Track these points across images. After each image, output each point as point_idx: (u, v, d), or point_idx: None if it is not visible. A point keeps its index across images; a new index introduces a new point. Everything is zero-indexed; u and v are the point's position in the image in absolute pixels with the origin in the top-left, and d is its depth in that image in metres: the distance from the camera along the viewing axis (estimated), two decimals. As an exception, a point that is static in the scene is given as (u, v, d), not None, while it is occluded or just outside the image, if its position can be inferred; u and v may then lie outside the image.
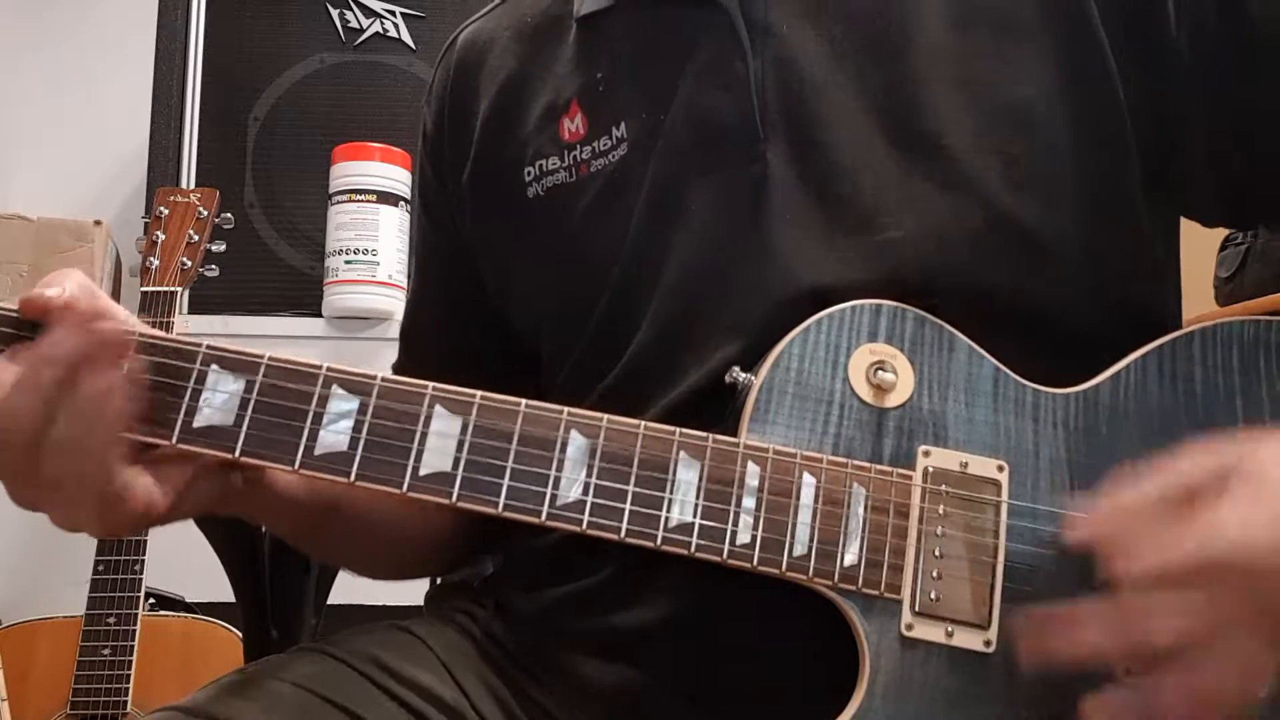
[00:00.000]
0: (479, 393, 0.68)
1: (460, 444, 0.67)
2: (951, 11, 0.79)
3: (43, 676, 1.69)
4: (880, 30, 0.79)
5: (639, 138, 0.83)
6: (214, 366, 0.67)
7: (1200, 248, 0.88)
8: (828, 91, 0.79)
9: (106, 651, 1.65)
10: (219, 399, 0.66)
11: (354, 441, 0.66)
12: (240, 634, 1.31)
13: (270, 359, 0.67)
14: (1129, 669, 0.62)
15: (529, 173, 0.87)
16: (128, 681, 1.64)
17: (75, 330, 0.65)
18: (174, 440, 0.66)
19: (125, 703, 1.63)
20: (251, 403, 0.66)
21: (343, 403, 0.67)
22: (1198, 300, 0.91)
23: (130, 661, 1.65)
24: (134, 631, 1.66)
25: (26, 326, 0.66)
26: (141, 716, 0.77)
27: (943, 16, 0.79)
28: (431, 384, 0.68)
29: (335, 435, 0.66)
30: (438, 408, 0.67)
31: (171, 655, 1.71)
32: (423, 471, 0.66)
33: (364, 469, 0.66)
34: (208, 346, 0.67)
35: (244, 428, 0.66)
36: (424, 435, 0.67)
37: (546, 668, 0.82)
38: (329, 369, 0.67)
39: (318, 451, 0.66)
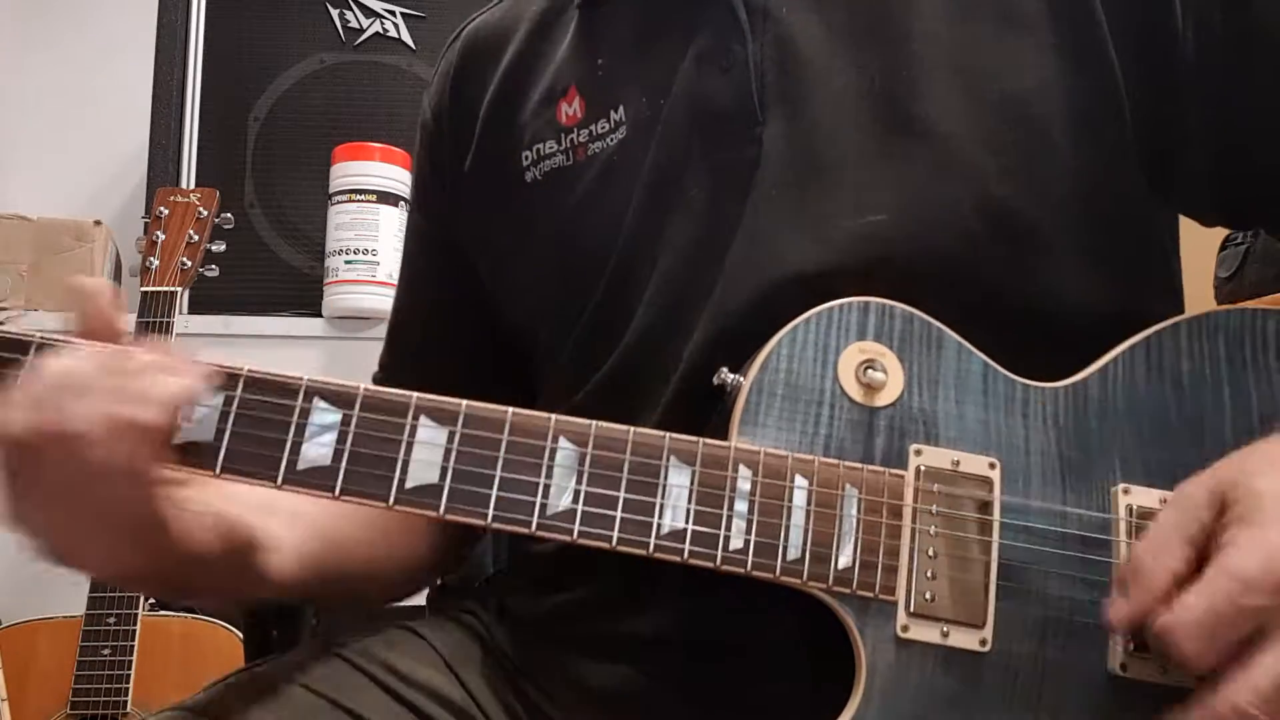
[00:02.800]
0: (465, 402, 0.66)
1: (447, 454, 0.65)
2: (953, 0, 0.79)
3: (43, 676, 1.69)
4: (880, 15, 0.79)
5: (638, 121, 0.82)
6: None
7: (1200, 248, 0.88)
8: (825, 75, 0.78)
9: (106, 651, 1.65)
10: (199, 413, 0.64)
11: (338, 454, 0.65)
12: (240, 634, 1.31)
13: (250, 371, 0.65)
14: None
15: (526, 157, 0.87)
16: (128, 681, 1.64)
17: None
18: None
19: (125, 703, 1.63)
20: (231, 416, 0.65)
21: (325, 415, 0.65)
22: (1198, 300, 0.91)
23: (130, 661, 1.64)
24: (134, 631, 1.66)
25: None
26: (146, 716, 0.77)
27: (944, 5, 0.79)
28: (416, 394, 0.66)
29: (318, 449, 0.65)
30: (423, 418, 0.66)
31: (171, 655, 1.70)
32: (409, 484, 0.65)
33: (348, 483, 0.64)
34: None
35: (224, 443, 0.64)
36: (409, 446, 0.65)
37: (548, 671, 0.83)
38: (309, 381, 0.66)
39: (300, 466, 0.64)
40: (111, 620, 1.66)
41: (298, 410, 0.65)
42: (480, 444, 0.66)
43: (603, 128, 0.84)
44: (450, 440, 0.65)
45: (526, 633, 0.85)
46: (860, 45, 0.79)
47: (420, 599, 1.00)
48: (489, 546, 1.06)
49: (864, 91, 0.78)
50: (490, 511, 0.65)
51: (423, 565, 0.93)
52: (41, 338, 0.65)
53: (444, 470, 0.65)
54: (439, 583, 1.09)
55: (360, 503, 0.65)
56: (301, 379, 0.66)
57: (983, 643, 0.67)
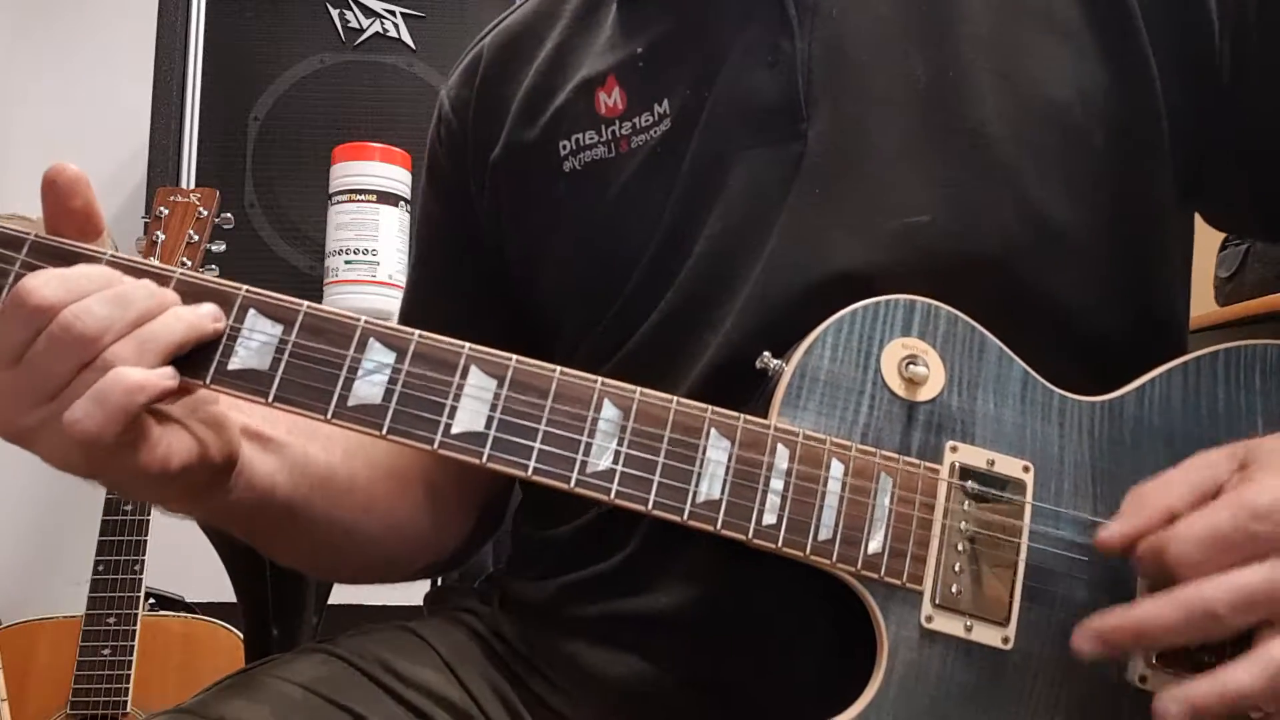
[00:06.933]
0: (514, 356, 0.69)
1: (494, 405, 0.67)
2: (997, 2, 0.80)
3: (43, 676, 1.70)
4: (926, 15, 0.81)
5: (682, 114, 0.83)
6: (252, 310, 0.68)
7: (1200, 248, 0.88)
8: (871, 74, 0.80)
9: (106, 651, 1.67)
10: (256, 342, 0.67)
11: (388, 394, 0.67)
12: (240, 634, 1.30)
13: (309, 307, 0.68)
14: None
15: (564, 146, 0.87)
16: (128, 681, 1.66)
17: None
18: (208, 381, 0.66)
19: (125, 703, 1.64)
20: (289, 348, 0.67)
21: (379, 355, 0.67)
22: (1198, 300, 0.91)
23: (130, 661, 1.66)
24: (134, 631, 1.67)
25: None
26: (145, 716, 0.76)
27: (989, 7, 0.80)
28: (468, 344, 0.68)
29: (370, 387, 0.67)
30: (473, 368, 0.68)
31: (171, 655, 1.72)
32: (455, 429, 0.67)
33: (396, 422, 0.67)
34: (247, 290, 0.68)
35: (279, 372, 0.67)
36: (458, 394, 0.67)
37: (552, 660, 0.83)
38: (367, 322, 0.68)
39: (351, 402, 0.67)
40: (111, 620, 1.67)
41: (353, 347, 0.67)
42: (526, 398, 0.68)
43: (646, 120, 0.85)
44: (498, 391, 0.68)
45: (531, 619, 0.86)
46: (907, 45, 0.81)
47: (418, 599, 0.99)
48: (489, 546, 1.05)
49: (910, 91, 0.79)
50: (532, 464, 0.67)
51: (415, 541, 0.91)
52: (36, 236, 0.70)
53: (490, 419, 0.67)
54: (437, 582, 1.08)
55: (405, 443, 0.67)
56: (359, 319, 0.68)
57: (1005, 640, 0.68)
